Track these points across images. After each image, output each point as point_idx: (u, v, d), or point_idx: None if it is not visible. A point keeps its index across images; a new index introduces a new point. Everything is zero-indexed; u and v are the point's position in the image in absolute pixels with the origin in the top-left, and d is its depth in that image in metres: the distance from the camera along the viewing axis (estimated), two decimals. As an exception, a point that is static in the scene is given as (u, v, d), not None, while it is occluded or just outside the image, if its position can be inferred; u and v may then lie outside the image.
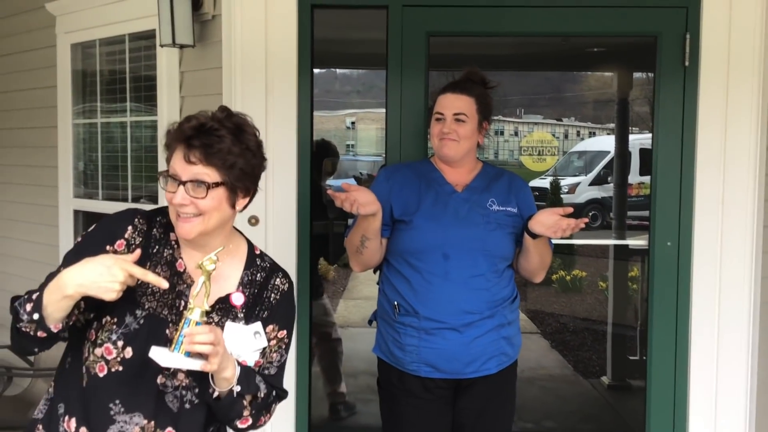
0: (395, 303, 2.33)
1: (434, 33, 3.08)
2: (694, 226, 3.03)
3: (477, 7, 3.06)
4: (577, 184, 14.10)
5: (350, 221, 2.43)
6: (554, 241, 2.42)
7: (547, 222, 2.20)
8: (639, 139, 6.52)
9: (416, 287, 2.28)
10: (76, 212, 3.91)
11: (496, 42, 4.27)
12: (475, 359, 2.28)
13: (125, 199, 3.67)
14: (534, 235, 2.26)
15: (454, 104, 2.36)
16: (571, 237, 8.84)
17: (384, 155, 3.16)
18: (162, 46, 3.12)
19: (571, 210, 2.20)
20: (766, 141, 3.06)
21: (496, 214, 2.33)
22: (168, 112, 3.32)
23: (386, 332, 2.38)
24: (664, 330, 3.09)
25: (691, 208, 3.03)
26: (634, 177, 6.66)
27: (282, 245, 3.09)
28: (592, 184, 13.68)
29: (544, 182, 12.92)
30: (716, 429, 3.09)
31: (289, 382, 3.13)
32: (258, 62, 3.05)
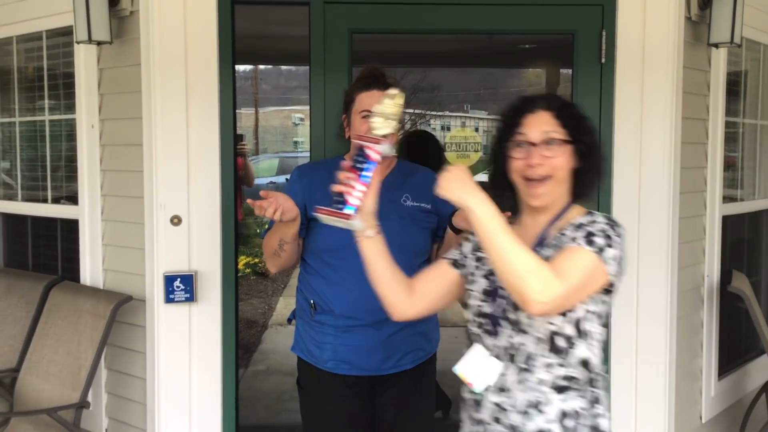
0: (311, 301, 2.32)
1: (357, 30, 3.08)
2: (612, 219, 3.10)
3: (398, 4, 3.07)
4: (519, 178, 14.39)
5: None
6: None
7: None
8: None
9: (332, 285, 2.28)
10: (-5, 214, 3.80)
11: (425, 39, 4.29)
12: (391, 356, 2.29)
13: (45, 200, 3.58)
14: (457, 231, 2.29)
15: None
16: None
17: (309, 153, 3.15)
18: (78, 42, 3.04)
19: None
20: (680, 134, 3.15)
21: (409, 209, 2.34)
22: (87, 111, 3.25)
23: (304, 331, 2.38)
24: (586, 321, 3.15)
25: (609, 201, 3.10)
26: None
27: (206, 245, 3.06)
28: (532, 178, 13.95)
29: (484, 177, 13.08)
30: (637, 415, 3.17)
31: (215, 383, 3.10)
32: (178, 59, 3.00)
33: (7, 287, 3.56)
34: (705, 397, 3.50)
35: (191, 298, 3.03)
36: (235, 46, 3.06)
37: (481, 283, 1.73)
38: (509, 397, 1.65)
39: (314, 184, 2.35)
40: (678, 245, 3.18)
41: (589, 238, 1.59)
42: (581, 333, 1.63)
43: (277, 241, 2.26)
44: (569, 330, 1.62)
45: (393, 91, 1.66)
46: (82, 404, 2.97)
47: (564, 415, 1.62)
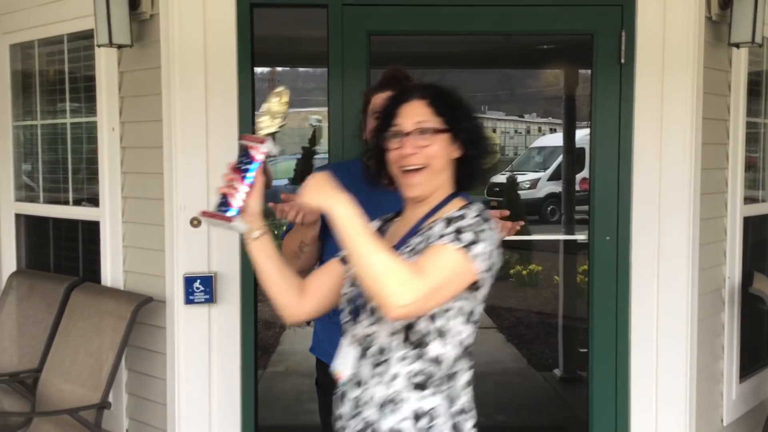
0: (330, 302, 2.33)
1: (375, 32, 3.08)
2: (632, 221, 3.08)
3: (416, 6, 3.07)
4: (538, 179, 14.30)
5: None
6: (512, 237, 2.42)
7: None
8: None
9: None
10: (18, 216, 3.84)
11: (443, 40, 4.29)
12: (409, 357, 2.29)
13: (66, 202, 3.62)
14: None
15: None
16: (527, 233, 8.93)
17: (327, 154, 3.16)
18: (99, 46, 3.07)
19: (507, 213, 2.22)
20: (701, 135, 3.12)
21: None
22: (107, 113, 3.28)
23: (322, 332, 2.38)
24: (605, 322, 3.14)
25: (629, 202, 3.08)
26: (588, 171, 6.75)
27: (225, 247, 3.08)
28: (550, 179, 13.87)
29: (503, 178, 13.03)
30: (657, 418, 3.15)
31: (235, 384, 3.11)
32: (197, 61, 3.02)
33: (29, 288, 3.60)
34: (726, 400, 3.47)
35: (211, 299, 3.05)
36: (254, 49, 3.08)
37: (354, 270, 1.69)
38: (366, 391, 1.63)
39: None
40: (699, 247, 3.16)
41: (456, 234, 1.55)
42: (436, 329, 1.59)
43: (296, 243, 2.27)
44: (423, 325, 1.59)
45: (279, 88, 1.62)
46: (103, 405, 2.99)
47: (418, 414, 1.58)
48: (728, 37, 3.13)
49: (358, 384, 1.64)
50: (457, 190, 1.71)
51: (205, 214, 1.60)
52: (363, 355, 1.64)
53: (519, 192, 12.69)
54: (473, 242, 1.55)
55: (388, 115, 1.69)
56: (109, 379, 3.01)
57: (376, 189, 2.37)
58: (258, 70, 2.87)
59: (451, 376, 1.62)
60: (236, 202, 1.56)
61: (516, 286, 8.17)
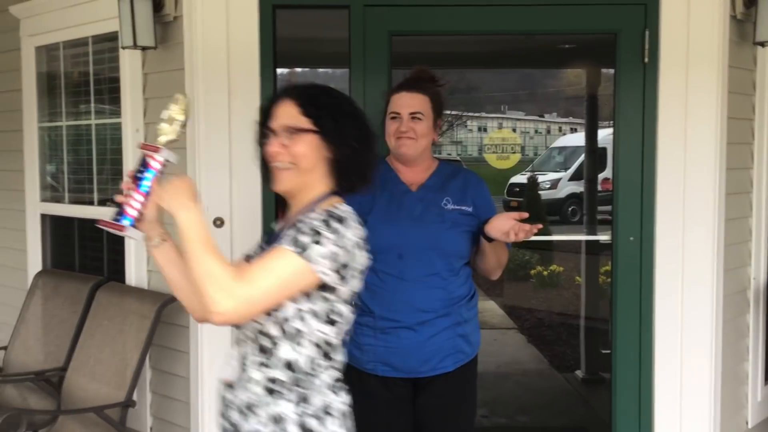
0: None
1: (396, 32, 3.09)
2: (656, 221, 3.06)
3: (438, 6, 3.07)
4: (559, 179, 14.17)
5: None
6: (533, 237, 2.42)
7: (503, 227, 2.21)
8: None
9: (372, 287, 2.28)
10: (44, 216, 3.89)
11: (463, 39, 4.28)
12: (431, 357, 2.29)
13: (91, 203, 3.66)
14: (490, 239, 2.28)
15: (410, 103, 2.35)
16: (548, 233, 8.89)
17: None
18: (123, 48, 3.10)
19: (526, 215, 2.22)
20: (726, 135, 3.10)
21: (450, 213, 2.34)
22: (132, 114, 3.31)
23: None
24: (628, 323, 3.12)
25: (653, 202, 3.06)
26: (610, 172, 6.69)
27: (247, 246, 3.08)
28: (571, 179, 13.74)
29: (523, 178, 12.93)
30: (682, 419, 3.12)
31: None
32: (220, 63, 3.04)
33: (54, 288, 3.64)
34: (751, 402, 3.44)
35: (233, 299, 3.06)
36: (276, 50, 3.09)
37: None
38: (233, 395, 1.66)
39: None
40: (724, 247, 3.13)
41: (296, 236, 1.55)
42: (287, 333, 1.59)
43: None
44: (273, 330, 1.59)
45: (178, 95, 1.63)
46: (128, 403, 3.02)
47: (274, 419, 1.60)
48: (753, 36, 3.10)
49: (229, 386, 1.68)
50: (338, 190, 1.71)
51: (100, 223, 1.62)
52: (241, 358, 1.68)
53: (539, 192, 12.60)
54: (312, 244, 1.54)
55: (265, 113, 1.71)
56: (133, 377, 3.04)
57: (399, 190, 2.38)
58: (279, 71, 2.90)
59: (300, 379, 1.62)
60: (131, 210, 1.59)
61: (537, 287, 8.12)
